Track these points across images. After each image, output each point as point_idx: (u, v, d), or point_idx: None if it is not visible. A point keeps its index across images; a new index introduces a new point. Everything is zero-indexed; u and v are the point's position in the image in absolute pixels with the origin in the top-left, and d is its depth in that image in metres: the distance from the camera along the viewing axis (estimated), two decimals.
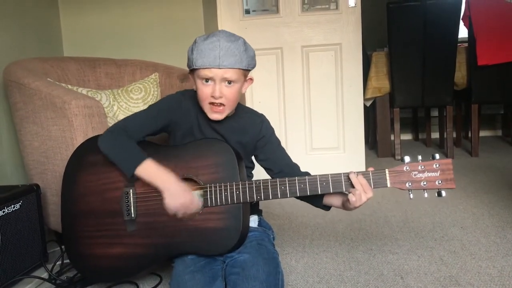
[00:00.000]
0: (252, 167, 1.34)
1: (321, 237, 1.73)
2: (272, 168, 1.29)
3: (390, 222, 1.85)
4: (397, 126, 3.14)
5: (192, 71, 1.18)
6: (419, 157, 1.09)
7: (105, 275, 1.24)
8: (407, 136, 4.11)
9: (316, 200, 1.24)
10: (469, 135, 3.45)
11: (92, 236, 1.20)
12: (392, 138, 3.25)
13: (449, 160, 1.08)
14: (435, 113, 3.76)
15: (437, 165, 1.08)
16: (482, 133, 3.84)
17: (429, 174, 1.08)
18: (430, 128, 3.68)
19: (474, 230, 1.71)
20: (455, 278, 1.32)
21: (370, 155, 3.38)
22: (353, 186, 1.09)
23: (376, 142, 3.41)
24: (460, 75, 3.12)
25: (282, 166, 1.29)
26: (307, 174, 1.27)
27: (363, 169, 2.66)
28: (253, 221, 1.28)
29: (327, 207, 1.25)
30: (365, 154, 2.69)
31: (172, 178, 1.11)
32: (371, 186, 1.09)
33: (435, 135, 3.80)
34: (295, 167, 1.30)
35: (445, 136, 3.29)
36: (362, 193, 1.08)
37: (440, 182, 1.07)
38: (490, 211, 1.92)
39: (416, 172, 1.08)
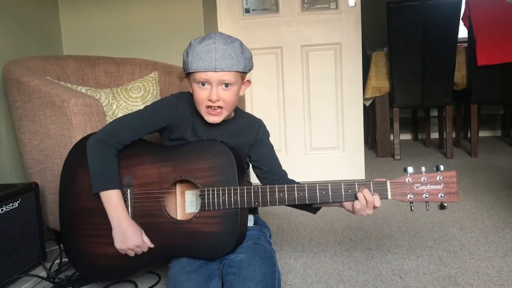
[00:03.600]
0: (248, 167, 1.34)
1: (320, 237, 1.73)
2: (261, 167, 1.28)
3: (389, 222, 1.85)
4: (396, 126, 3.14)
5: (188, 74, 1.16)
6: (423, 169, 1.05)
7: (103, 273, 1.23)
8: (406, 136, 4.11)
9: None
10: (469, 135, 3.45)
11: (90, 235, 1.20)
12: (392, 138, 3.26)
13: (453, 173, 1.04)
14: (434, 113, 3.76)
15: (441, 178, 1.04)
16: (482, 134, 3.84)
17: (432, 187, 1.04)
18: (429, 128, 3.68)
19: (473, 230, 1.71)
20: (454, 278, 1.32)
21: (370, 155, 3.38)
22: (356, 198, 1.08)
23: (375, 142, 3.42)
24: (460, 75, 3.12)
25: (272, 167, 1.28)
26: (294, 182, 1.26)
27: (362, 169, 2.68)
28: (249, 220, 1.27)
29: (315, 210, 1.24)
30: (364, 154, 2.68)
31: (125, 218, 1.12)
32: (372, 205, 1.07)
33: (435, 135, 3.80)
34: (284, 172, 1.30)
35: (444, 136, 3.30)
36: (363, 209, 1.07)
37: (443, 195, 1.04)
38: (489, 211, 1.92)
39: (418, 185, 1.05)
